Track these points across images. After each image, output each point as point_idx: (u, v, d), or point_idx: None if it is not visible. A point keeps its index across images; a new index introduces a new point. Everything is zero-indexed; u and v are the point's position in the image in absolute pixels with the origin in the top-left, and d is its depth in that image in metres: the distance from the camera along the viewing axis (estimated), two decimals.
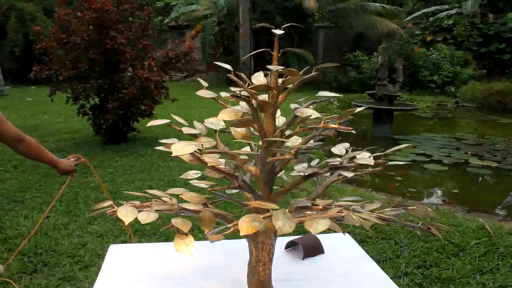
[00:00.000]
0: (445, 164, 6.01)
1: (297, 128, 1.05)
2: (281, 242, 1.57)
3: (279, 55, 1.08)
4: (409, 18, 17.20)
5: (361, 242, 3.17)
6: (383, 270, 2.76)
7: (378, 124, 7.84)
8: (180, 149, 0.89)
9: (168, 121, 1.12)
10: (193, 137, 1.11)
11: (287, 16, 14.99)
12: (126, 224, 0.89)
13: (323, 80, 16.31)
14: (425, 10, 17.20)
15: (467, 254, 3.01)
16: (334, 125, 0.98)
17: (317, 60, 16.57)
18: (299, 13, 15.32)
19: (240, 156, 1.00)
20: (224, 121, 1.18)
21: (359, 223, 0.81)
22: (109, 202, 0.97)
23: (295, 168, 1.23)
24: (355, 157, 1.22)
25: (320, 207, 0.92)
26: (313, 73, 1.07)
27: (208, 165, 0.97)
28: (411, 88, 14.24)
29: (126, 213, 0.92)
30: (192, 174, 1.28)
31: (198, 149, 1.02)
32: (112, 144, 6.26)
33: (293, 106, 1.22)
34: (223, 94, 1.15)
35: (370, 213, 0.94)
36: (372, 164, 1.05)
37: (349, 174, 1.14)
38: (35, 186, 4.33)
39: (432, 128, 9.57)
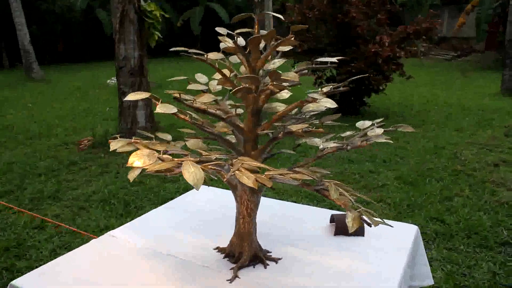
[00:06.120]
0: None
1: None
2: (326, 216, 1.58)
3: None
4: None
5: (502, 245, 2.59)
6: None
7: None
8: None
9: (186, 77, 1.31)
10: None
11: None
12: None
13: None
14: None
15: None
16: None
17: None
18: None
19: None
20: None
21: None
22: None
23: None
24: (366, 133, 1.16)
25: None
26: (289, 36, 1.06)
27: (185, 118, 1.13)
28: None
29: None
30: None
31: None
32: (343, 115, 6.53)
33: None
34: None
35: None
36: (297, 131, 0.98)
37: (331, 145, 1.11)
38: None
39: None
